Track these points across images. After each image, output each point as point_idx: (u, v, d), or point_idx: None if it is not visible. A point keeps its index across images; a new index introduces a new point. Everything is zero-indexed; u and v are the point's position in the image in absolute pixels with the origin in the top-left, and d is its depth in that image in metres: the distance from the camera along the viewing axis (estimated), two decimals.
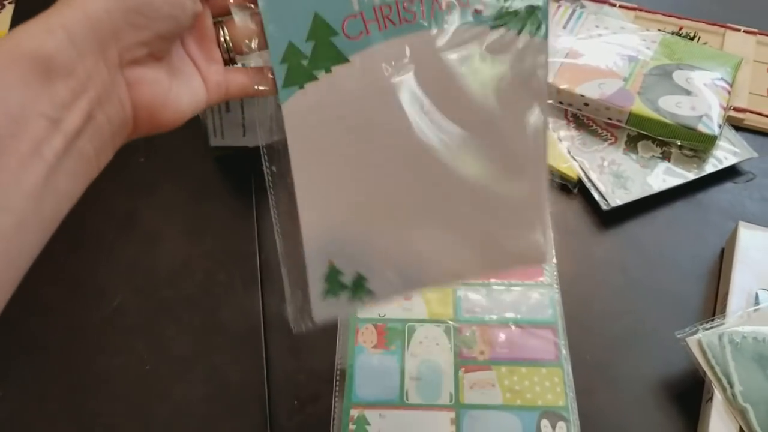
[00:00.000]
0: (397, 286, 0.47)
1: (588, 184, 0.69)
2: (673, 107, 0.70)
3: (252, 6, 0.40)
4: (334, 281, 0.46)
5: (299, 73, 0.41)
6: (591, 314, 0.61)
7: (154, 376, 0.58)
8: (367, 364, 0.57)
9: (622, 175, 0.69)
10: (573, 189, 0.69)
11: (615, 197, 0.67)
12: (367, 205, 0.46)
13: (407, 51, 0.42)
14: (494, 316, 0.60)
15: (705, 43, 0.82)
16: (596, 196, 0.68)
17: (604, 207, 0.67)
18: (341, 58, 0.41)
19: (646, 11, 0.86)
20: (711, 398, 0.52)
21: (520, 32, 0.43)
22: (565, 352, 0.58)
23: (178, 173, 0.72)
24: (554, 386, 0.56)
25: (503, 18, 0.43)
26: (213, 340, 0.60)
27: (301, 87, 0.41)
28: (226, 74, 0.41)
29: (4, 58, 0.31)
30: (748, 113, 0.75)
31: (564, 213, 0.68)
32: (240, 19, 0.40)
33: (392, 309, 0.61)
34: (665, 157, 0.71)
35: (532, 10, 0.43)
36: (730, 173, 0.71)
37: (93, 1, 0.33)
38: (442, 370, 0.57)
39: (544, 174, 0.47)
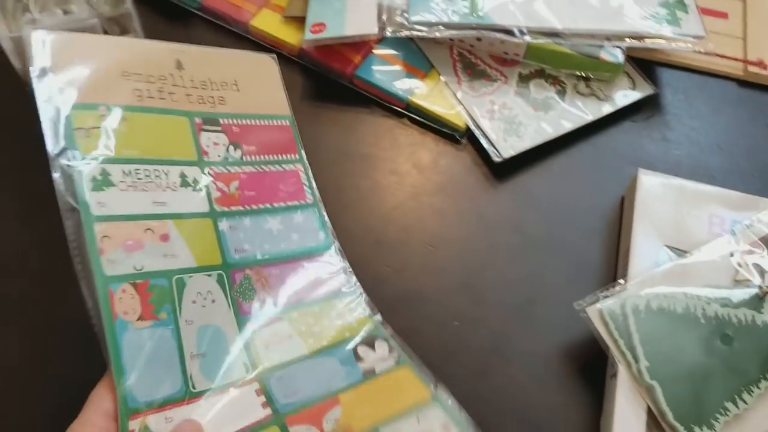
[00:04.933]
0: None
1: (477, 133, 0.61)
2: None
3: None
4: None
5: None
6: (483, 282, 0.55)
7: None
8: (136, 347, 0.40)
9: (514, 121, 0.62)
10: (461, 139, 0.62)
11: (507, 146, 0.60)
12: None
13: None
14: (266, 255, 0.49)
15: None
16: (486, 146, 0.61)
17: (496, 159, 0.60)
18: None
19: None
20: (615, 374, 0.47)
21: None
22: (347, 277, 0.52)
23: None
24: (355, 315, 0.50)
25: None
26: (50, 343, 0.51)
27: None
28: None
29: None
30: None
31: (450, 167, 0.61)
32: None
33: (151, 256, 0.44)
34: (560, 96, 0.64)
35: None
36: (628, 112, 0.65)
37: None
38: (227, 335, 0.45)
39: None
